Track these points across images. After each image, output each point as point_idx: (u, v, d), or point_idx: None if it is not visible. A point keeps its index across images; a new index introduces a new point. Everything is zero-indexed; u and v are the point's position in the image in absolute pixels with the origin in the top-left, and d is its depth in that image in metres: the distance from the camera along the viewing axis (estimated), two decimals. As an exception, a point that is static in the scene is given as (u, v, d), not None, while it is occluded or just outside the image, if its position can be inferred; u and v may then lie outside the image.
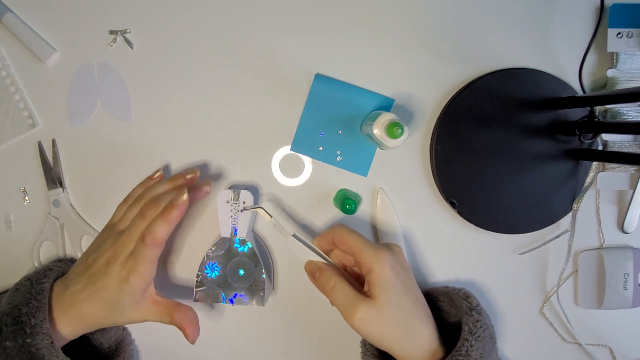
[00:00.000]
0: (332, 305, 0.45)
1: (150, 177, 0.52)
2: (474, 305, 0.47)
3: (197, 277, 0.50)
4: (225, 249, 0.51)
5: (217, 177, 0.54)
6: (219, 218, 0.51)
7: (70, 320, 0.45)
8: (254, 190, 0.53)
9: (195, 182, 0.51)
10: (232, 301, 0.51)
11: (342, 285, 0.44)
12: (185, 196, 0.45)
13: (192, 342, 0.46)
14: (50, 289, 0.46)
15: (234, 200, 0.51)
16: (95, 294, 0.45)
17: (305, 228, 0.54)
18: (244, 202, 0.51)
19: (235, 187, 0.53)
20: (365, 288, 0.44)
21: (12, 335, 0.43)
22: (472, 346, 0.43)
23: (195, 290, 0.50)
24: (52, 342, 0.43)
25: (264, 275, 0.51)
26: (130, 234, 0.46)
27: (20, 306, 0.44)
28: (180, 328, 0.46)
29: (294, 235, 0.48)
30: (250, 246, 0.51)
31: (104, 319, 0.46)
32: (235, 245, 0.51)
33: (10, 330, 0.43)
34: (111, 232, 0.47)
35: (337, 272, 0.46)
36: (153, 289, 0.47)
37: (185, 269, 0.55)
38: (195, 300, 0.50)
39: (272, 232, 0.54)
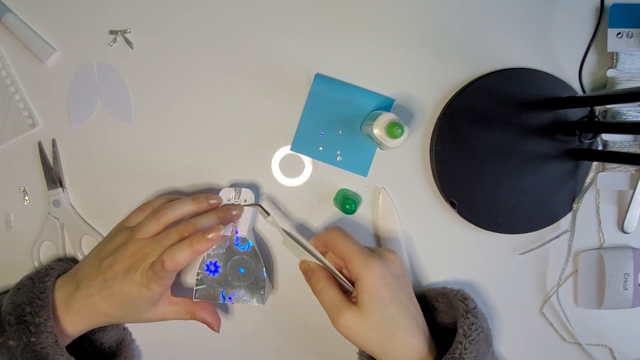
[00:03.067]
0: None
1: (176, 199, 0.51)
2: (471, 308, 0.47)
3: (197, 275, 0.50)
4: (226, 247, 0.51)
5: (217, 177, 0.54)
6: None
7: (82, 319, 0.46)
8: (255, 188, 0.53)
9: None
10: (231, 299, 0.51)
11: (330, 289, 0.44)
12: (220, 232, 0.46)
13: (218, 331, 0.50)
14: (52, 288, 0.46)
15: (235, 198, 0.51)
16: (111, 297, 0.45)
17: (305, 228, 0.54)
18: (245, 201, 0.51)
19: (237, 185, 0.53)
20: (354, 294, 0.44)
21: (16, 334, 0.43)
22: (465, 349, 0.43)
23: (195, 288, 0.50)
24: (56, 341, 0.43)
25: (264, 274, 0.51)
26: (158, 247, 0.45)
27: (24, 305, 0.44)
28: (204, 322, 0.50)
29: (290, 234, 0.48)
30: (251, 245, 0.51)
31: (119, 318, 0.47)
32: (236, 243, 0.51)
33: (13, 330, 0.43)
34: (129, 238, 0.47)
35: (327, 275, 0.46)
36: (169, 290, 0.49)
37: (186, 266, 0.55)
38: (196, 298, 0.50)
39: (272, 231, 0.54)
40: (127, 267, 0.45)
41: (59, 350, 0.43)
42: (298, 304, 0.55)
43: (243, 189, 0.51)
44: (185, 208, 0.48)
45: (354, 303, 0.43)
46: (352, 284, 0.45)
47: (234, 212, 0.50)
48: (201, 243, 0.45)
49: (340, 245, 0.45)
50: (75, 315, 0.46)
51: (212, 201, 0.50)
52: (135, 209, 0.50)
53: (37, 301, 0.44)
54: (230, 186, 0.53)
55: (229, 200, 0.51)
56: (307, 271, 0.47)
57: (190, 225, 0.46)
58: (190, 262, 0.45)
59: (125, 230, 0.48)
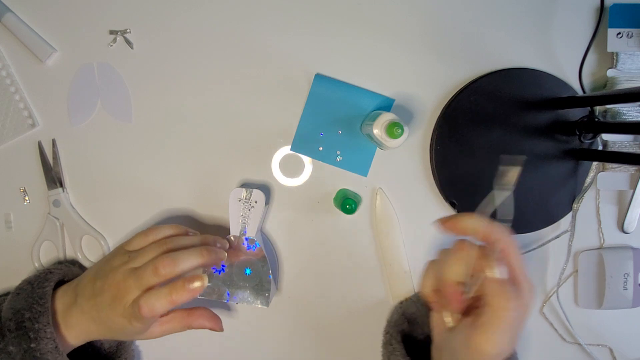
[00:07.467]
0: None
1: (185, 231, 0.49)
2: None
3: (203, 272, 0.50)
4: (234, 247, 0.51)
5: (218, 176, 0.54)
6: (229, 216, 0.51)
7: (78, 332, 0.45)
8: (266, 189, 0.53)
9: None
10: (236, 299, 0.51)
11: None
12: (200, 283, 0.42)
13: (222, 330, 0.48)
14: (52, 293, 0.46)
15: (245, 199, 0.51)
16: (100, 320, 0.44)
17: (308, 228, 0.54)
18: (255, 202, 0.51)
19: (248, 186, 0.53)
20: (479, 309, 0.37)
21: (16, 340, 0.43)
22: None
23: None
24: (56, 347, 0.43)
25: (270, 276, 0.51)
26: (138, 282, 0.42)
27: (23, 311, 0.44)
28: (204, 329, 0.48)
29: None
30: (258, 246, 0.51)
31: (110, 337, 0.46)
32: (244, 243, 0.51)
33: (13, 336, 0.43)
34: (123, 264, 0.45)
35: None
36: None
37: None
38: (200, 296, 0.50)
39: (280, 232, 0.54)
40: (113, 296, 0.43)
41: (59, 356, 0.43)
42: (302, 307, 0.55)
43: (254, 190, 0.51)
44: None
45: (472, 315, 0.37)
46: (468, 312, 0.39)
47: (218, 245, 0.48)
48: (180, 294, 0.42)
49: (511, 258, 0.38)
50: (71, 328, 0.45)
51: (218, 245, 0.48)
52: (139, 232, 0.48)
53: (36, 307, 0.44)
54: (241, 186, 0.53)
55: (239, 201, 0.51)
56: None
57: (170, 262, 0.42)
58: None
59: (124, 254, 0.46)
